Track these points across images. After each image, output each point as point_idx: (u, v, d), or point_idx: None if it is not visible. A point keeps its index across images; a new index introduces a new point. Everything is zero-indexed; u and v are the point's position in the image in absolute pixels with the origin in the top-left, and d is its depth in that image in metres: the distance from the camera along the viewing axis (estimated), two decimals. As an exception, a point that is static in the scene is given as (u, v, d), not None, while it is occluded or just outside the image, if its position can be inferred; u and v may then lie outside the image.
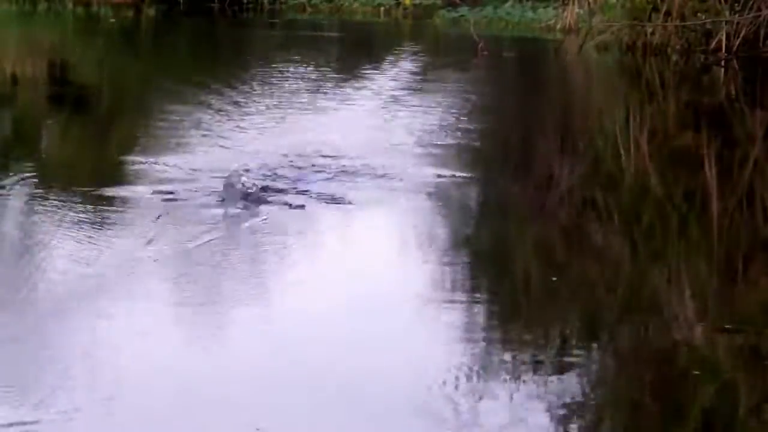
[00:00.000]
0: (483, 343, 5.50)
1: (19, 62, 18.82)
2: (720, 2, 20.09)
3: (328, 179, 8.94)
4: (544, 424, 4.54)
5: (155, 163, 9.51)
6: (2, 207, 8.12)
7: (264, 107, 13.30)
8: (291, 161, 9.58)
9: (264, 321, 5.83)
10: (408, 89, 15.54)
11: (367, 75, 17.31)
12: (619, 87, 18.51)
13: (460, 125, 12.35)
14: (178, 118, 12.08)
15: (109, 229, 7.37)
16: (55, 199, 8.28)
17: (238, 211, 7.63)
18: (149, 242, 6.93)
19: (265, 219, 7.59)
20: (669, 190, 9.46)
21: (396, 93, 14.94)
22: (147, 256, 6.65)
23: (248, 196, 7.82)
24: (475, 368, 5.08)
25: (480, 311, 6.08)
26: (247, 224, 7.47)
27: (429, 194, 8.75)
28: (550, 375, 5.03)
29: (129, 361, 5.10)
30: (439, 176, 9.34)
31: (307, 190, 8.48)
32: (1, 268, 6.61)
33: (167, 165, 9.34)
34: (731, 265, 7.17)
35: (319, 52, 22.28)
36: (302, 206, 7.95)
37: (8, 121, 13.12)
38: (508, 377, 4.99)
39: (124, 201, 8.12)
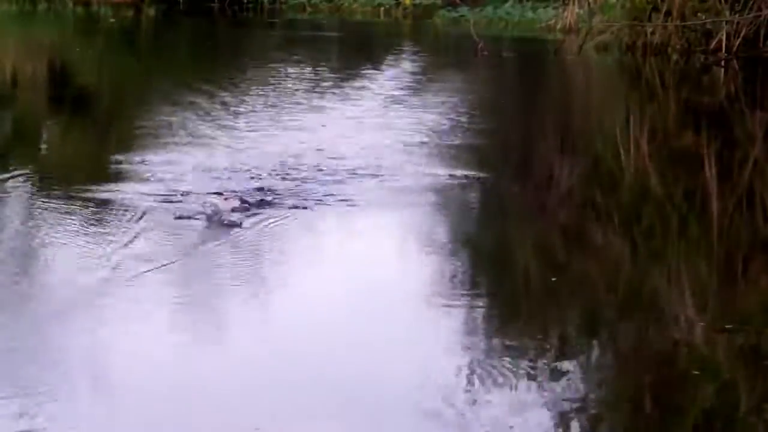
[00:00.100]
0: (484, 343, 5.50)
1: (17, 62, 18.82)
2: (720, 2, 20.08)
3: (328, 180, 8.93)
4: (544, 423, 4.54)
5: (143, 163, 9.48)
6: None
7: (263, 107, 13.31)
8: (289, 162, 9.58)
9: (265, 321, 5.83)
10: (408, 89, 15.54)
11: (367, 75, 17.30)
12: (619, 87, 18.50)
13: (460, 125, 12.35)
14: (173, 118, 12.07)
15: (83, 234, 7.31)
16: (37, 199, 8.28)
17: (233, 218, 7.43)
18: (126, 245, 6.89)
19: (266, 222, 7.59)
20: (669, 190, 9.46)
21: (396, 93, 14.94)
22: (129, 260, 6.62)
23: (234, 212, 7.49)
24: (476, 368, 5.08)
25: (482, 311, 6.08)
26: (245, 226, 7.45)
27: (431, 194, 8.75)
28: (550, 375, 5.03)
29: (128, 364, 5.11)
30: (440, 176, 9.34)
31: (307, 191, 8.48)
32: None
33: (156, 167, 9.24)
34: (731, 265, 7.17)
35: (319, 52, 22.28)
36: (304, 208, 7.96)
37: (3, 120, 13.11)
38: (508, 377, 4.99)
39: (106, 203, 8.02)
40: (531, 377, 4.99)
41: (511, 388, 4.87)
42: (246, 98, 14.01)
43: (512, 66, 21.01)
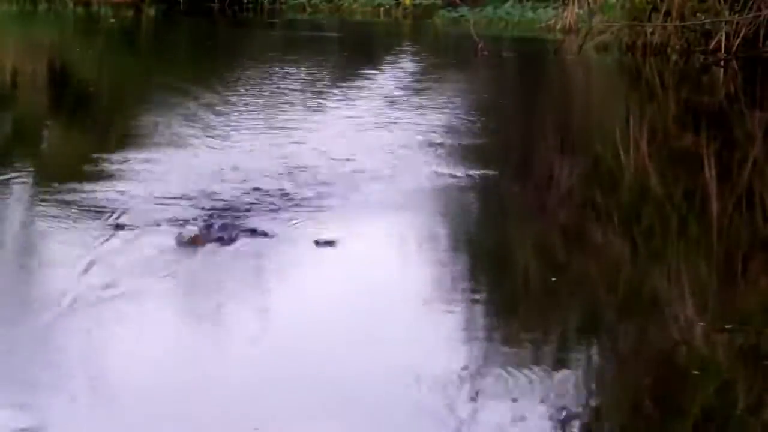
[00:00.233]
0: (485, 343, 5.51)
1: (17, 62, 18.83)
2: (719, 2, 20.08)
3: (328, 182, 8.93)
4: (544, 423, 4.55)
5: (125, 163, 9.44)
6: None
7: (262, 107, 13.30)
8: (288, 163, 9.58)
9: (265, 321, 5.85)
10: (408, 89, 15.54)
11: (366, 75, 17.31)
12: (619, 87, 18.51)
13: (461, 125, 12.35)
14: (170, 119, 12.05)
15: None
16: (16, 196, 8.29)
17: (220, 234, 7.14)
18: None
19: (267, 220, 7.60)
20: (670, 190, 9.47)
21: (396, 93, 14.94)
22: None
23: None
24: (477, 368, 5.09)
25: (483, 311, 6.09)
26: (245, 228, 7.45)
27: (433, 195, 8.76)
28: (550, 375, 5.04)
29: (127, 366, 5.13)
30: (441, 177, 9.35)
31: (309, 193, 8.48)
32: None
33: (137, 173, 9.15)
34: (731, 265, 7.18)
35: (318, 52, 22.28)
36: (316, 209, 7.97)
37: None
38: (508, 377, 5.00)
39: (74, 206, 7.94)
40: (531, 377, 5.00)
41: (511, 388, 4.88)
42: (245, 98, 14.01)
43: (512, 66, 21.02)
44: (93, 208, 7.87)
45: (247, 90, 14.92)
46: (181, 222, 7.25)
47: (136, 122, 12.23)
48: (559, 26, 24.39)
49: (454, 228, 8.08)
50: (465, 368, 5.08)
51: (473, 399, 4.76)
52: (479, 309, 6.12)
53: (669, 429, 4.67)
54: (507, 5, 28.10)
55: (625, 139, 12.25)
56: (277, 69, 17.77)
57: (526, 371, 5.07)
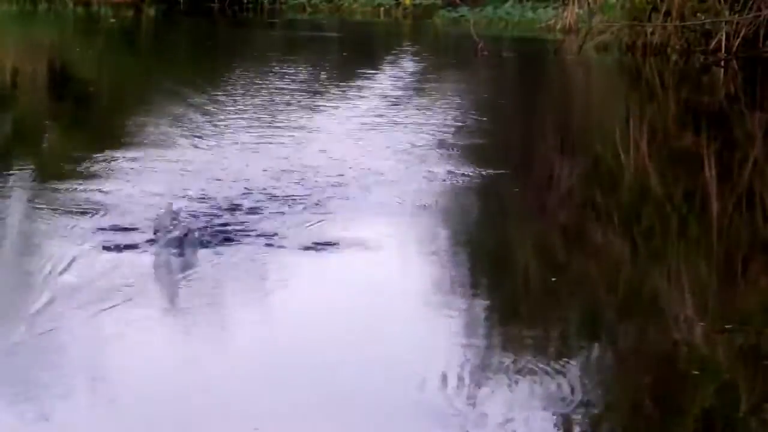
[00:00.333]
0: (485, 343, 5.51)
1: (17, 62, 18.83)
2: (720, 2, 20.08)
3: (328, 182, 8.91)
4: (544, 423, 4.55)
5: (110, 163, 9.42)
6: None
7: (260, 107, 13.29)
8: (287, 164, 9.57)
9: (265, 320, 5.84)
10: (408, 89, 15.54)
11: (367, 75, 17.30)
12: (619, 87, 18.51)
13: (461, 125, 12.35)
14: (159, 120, 12.03)
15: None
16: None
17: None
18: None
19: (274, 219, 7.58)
20: (669, 191, 9.46)
21: (396, 93, 14.93)
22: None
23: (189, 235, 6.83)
24: (477, 368, 5.09)
25: (484, 311, 6.09)
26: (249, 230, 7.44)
27: (433, 195, 8.75)
28: (550, 375, 5.03)
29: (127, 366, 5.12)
30: (441, 177, 9.34)
31: (308, 192, 8.47)
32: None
33: (125, 174, 9.11)
34: (731, 265, 7.17)
35: (318, 52, 22.28)
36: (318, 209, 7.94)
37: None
38: (509, 377, 5.00)
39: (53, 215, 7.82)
40: (532, 377, 4.99)
41: (511, 388, 4.88)
42: (245, 98, 14.01)
43: (512, 66, 21.01)
44: (78, 208, 7.85)
45: (246, 90, 14.91)
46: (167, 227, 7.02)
47: (134, 122, 12.21)
48: (559, 26, 24.39)
49: (456, 228, 8.08)
50: (465, 368, 5.07)
51: (474, 399, 4.75)
52: (480, 309, 6.12)
53: (669, 429, 4.66)
54: (507, 5, 28.10)
55: (626, 139, 12.24)
56: (276, 69, 17.77)
57: (527, 371, 5.06)
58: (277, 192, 8.36)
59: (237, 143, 10.69)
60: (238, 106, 13.21)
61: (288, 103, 13.67)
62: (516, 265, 7.25)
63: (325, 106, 13.68)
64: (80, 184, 8.65)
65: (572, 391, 4.86)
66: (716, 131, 12.88)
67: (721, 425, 4.73)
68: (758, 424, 4.68)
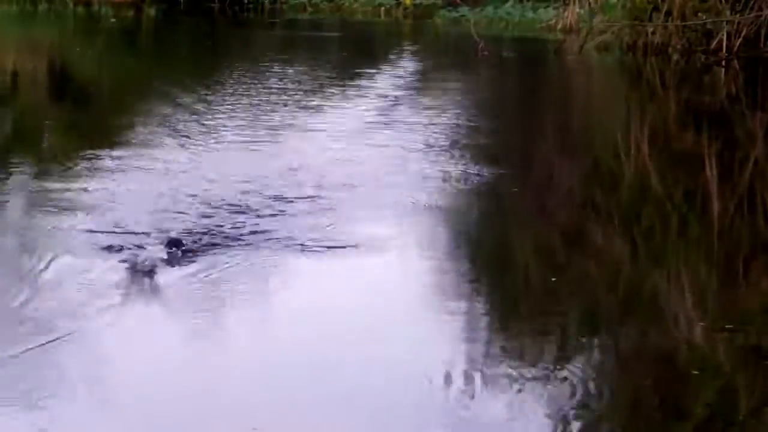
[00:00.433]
0: (487, 343, 5.51)
1: (17, 62, 18.84)
2: (721, 2, 20.08)
3: (328, 183, 8.90)
4: (544, 423, 4.54)
5: (94, 165, 9.40)
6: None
7: (259, 108, 13.29)
8: (287, 164, 9.56)
9: (265, 320, 5.84)
10: (409, 89, 15.54)
11: (367, 75, 17.30)
12: (620, 87, 18.50)
13: (461, 125, 12.35)
14: (160, 119, 12.03)
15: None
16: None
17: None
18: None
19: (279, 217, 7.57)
20: (670, 191, 9.46)
21: (397, 93, 14.93)
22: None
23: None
24: (477, 369, 5.08)
25: (484, 311, 6.09)
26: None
27: (433, 195, 8.74)
28: (550, 375, 5.03)
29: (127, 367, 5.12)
30: (441, 177, 9.34)
31: (309, 193, 8.46)
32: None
33: (127, 173, 9.10)
34: (731, 266, 7.17)
35: (319, 52, 22.29)
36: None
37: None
38: (509, 377, 4.99)
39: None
40: (532, 377, 4.99)
41: (511, 389, 4.87)
42: (245, 98, 14.01)
43: (513, 66, 21.01)
44: (66, 207, 7.85)
45: (247, 90, 14.91)
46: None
47: (133, 122, 12.20)
48: (559, 26, 24.40)
49: (459, 228, 8.07)
50: (466, 368, 5.06)
51: (474, 399, 4.75)
52: (480, 309, 6.11)
53: (669, 429, 4.66)
54: (507, 5, 28.10)
55: (626, 139, 12.24)
56: (276, 69, 17.76)
57: (527, 371, 5.06)
58: (278, 192, 8.35)
59: (237, 143, 10.68)
60: (239, 106, 13.21)
61: (288, 103, 13.67)
62: (517, 265, 7.24)
63: (325, 106, 13.67)
64: (71, 182, 8.64)
65: (572, 391, 4.86)
66: (717, 131, 12.88)
67: (722, 425, 4.72)
68: (758, 424, 4.67)
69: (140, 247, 6.62)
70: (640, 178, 10.09)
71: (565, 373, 5.07)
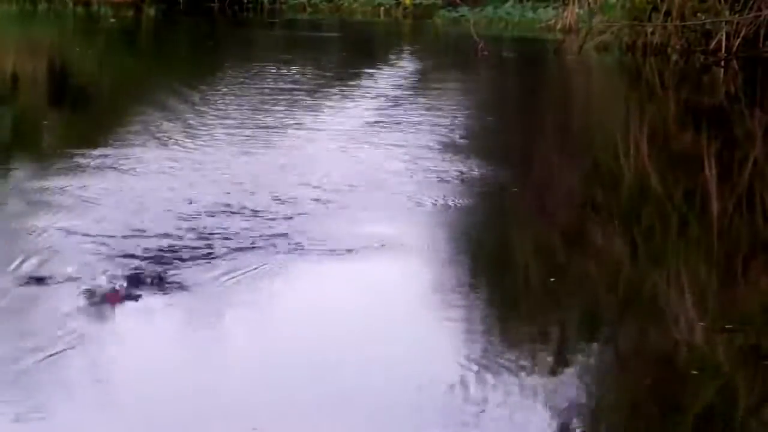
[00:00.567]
0: (487, 343, 5.51)
1: (17, 62, 18.85)
2: (720, 2, 20.08)
3: (329, 183, 8.91)
4: (544, 423, 4.54)
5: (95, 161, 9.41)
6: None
7: (259, 108, 13.29)
8: (287, 165, 9.57)
9: (265, 320, 5.84)
10: (409, 89, 15.54)
11: (367, 75, 17.30)
12: (619, 87, 18.51)
13: (462, 126, 12.35)
14: (157, 120, 12.01)
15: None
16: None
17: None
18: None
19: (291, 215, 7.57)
20: (669, 191, 9.46)
21: (397, 93, 14.93)
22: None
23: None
24: (477, 369, 5.08)
25: (485, 311, 6.09)
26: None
27: (433, 196, 8.75)
28: (551, 374, 5.03)
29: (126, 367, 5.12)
30: (441, 177, 9.34)
31: (307, 192, 8.46)
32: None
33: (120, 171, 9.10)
34: (731, 266, 7.17)
35: (318, 52, 22.28)
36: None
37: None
38: (509, 377, 4.99)
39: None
40: (532, 377, 4.99)
41: (511, 388, 4.87)
42: (245, 98, 14.01)
43: (512, 66, 21.02)
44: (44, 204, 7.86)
45: (247, 90, 14.91)
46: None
47: (133, 122, 12.19)
48: (559, 26, 24.40)
49: (457, 228, 8.07)
50: (466, 368, 5.06)
51: (474, 400, 4.75)
52: (481, 309, 6.12)
53: (669, 429, 4.66)
54: (507, 5, 28.09)
55: (626, 139, 12.24)
56: (276, 69, 17.76)
57: (527, 371, 5.06)
58: (278, 193, 8.35)
59: (237, 143, 10.68)
60: (238, 107, 13.20)
61: (287, 103, 13.66)
62: (517, 265, 7.25)
63: (325, 106, 13.67)
64: (71, 181, 8.65)
65: (572, 391, 4.86)
66: (716, 131, 12.88)
67: (721, 425, 4.73)
68: (758, 424, 4.67)
69: (133, 251, 6.59)
70: (639, 178, 10.09)
71: (564, 373, 5.07)
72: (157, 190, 8.38)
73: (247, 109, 12.94)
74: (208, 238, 6.93)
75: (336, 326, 5.71)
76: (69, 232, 7.07)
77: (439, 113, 13.14)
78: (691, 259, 7.33)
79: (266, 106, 13.26)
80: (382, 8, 31.30)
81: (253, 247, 6.83)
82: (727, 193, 9.26)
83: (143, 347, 5.32)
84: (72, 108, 14.29)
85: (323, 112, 13.07)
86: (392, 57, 20.45)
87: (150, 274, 6.12)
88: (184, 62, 20.69)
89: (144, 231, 7.03)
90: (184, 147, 10.33)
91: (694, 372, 5.22)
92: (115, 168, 9.26)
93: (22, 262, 6.40)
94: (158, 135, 11.00)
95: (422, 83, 16.57)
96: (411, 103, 14.06)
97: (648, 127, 13.15)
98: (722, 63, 19.36)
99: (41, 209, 7.79)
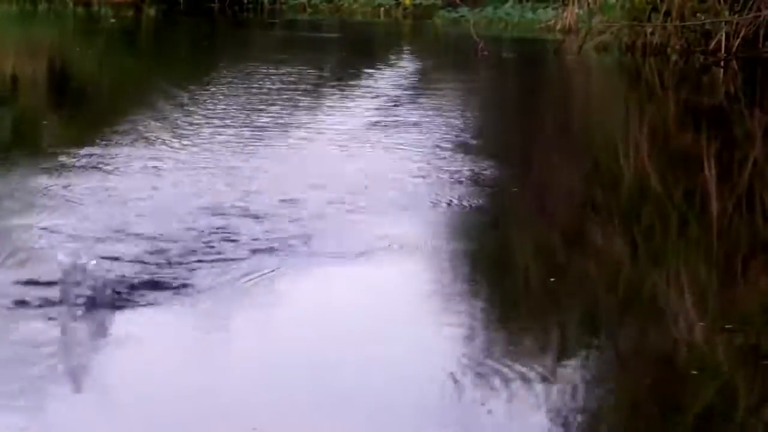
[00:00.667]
0: (488, 343, 5.51)
1: (17, 62, 18.85)
2: (719, 3, 20.08)
3: (329, 184, 8.90)
4: (544, 423, 4.54)
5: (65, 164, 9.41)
6: None
7: (258, 108, 13.28)
8: (287, 163, 9.57)
9: (265, 319, 5.84)
10: (409, 90, 15.54)
11: (367, 75, 17.30)
12: (619, 87, 18.51)
13: (461, 126, 12.34)
14: (156, 120, 12.00)
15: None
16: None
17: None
18: None
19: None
20: (669, 191, 9.46)
21: (397, 93, 14.93)
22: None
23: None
24: (477, 369, 5.08)
25: (485, 311, 6.09)
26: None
27: (434, 196, 8.74)
28: (551, 374, 5.03)
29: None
30: (441, 177, 9.34)
31: (308, 193, 8.46)
32: None
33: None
34: (731, 265, 7.17)
35: (318, 52, 22.28)
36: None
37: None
38: (509, 377, 4.99)
39: None
40: (531, 377, 4.99)
41: (511, 389, 4.87)
42: (245, 98, 14.01)
43: (512, 66, 21.02)
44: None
45: (247, 90, 14.90)
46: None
47: (132, 121, 12.18)
48: (558, 26, 24.40)
49: (457, 228, 8.07)
50: (466, 368, 5.06)
51: (474, 400, 4.75)
52: (481, 309, 6.11)
53: (669, 429, 4.66)
54: (507, 6, 28.09)
55: (625, 139, 12.24)
56: (275, 70, 17.75)
57: (527, 371, 5.06)
58: (278, 192, 8.35)
59: (237, 143, 10.67)
60: (237, 107, 13.20)
61: (287, 103, 13.66)
62: (517, 265, 7.25)
63: (325, 106, 13.67)
64: (70, 180, 8.65)
65: (572, 391, 4.86)
66: (716, 131, 12.88)
67: (721, 425, 4.73)
68: (758, 424, 4.67)
69: (120, 252, 6.56)
70: (639, 177, 10.09)
71: (564, 372, 5.07)
72: (158, 190, 8.39)
73: (249, 110, 12.94)
74: (200, 239, 6.91)
75: (335, 326, 5.72)
76: (52, 231, 7.06)
77: (439, 113, 13.13)
78: (691, 259, 7.33)
79: (265, 106, 13.26)
80: (382, 9, 31.30)
81: (254, 249, 6.83)
82: (727, 193, 9.26)
83: (141, 348, 5.32)
84: (71, 108, 14.28)
85: (324, 112, 13.07)
86: (392, 57, 20.45)
87: (142, 276, 6.12)
88: (185, 63, 20.69)
89: (141, 234, 7.02)
90: (187, 149, 10.35)
91: (694, 372, 5.22)
92: (122, 168, 9.26)
93: (5, 259, 6.41)
94: (156, 135, 10.99)
95: (422, 83, 16.56)
96: (411, 104, 14.05)
97: (648, 127, 13.15)
98: (722, 63, 19.36)
99: (29, 209, 7.80)
